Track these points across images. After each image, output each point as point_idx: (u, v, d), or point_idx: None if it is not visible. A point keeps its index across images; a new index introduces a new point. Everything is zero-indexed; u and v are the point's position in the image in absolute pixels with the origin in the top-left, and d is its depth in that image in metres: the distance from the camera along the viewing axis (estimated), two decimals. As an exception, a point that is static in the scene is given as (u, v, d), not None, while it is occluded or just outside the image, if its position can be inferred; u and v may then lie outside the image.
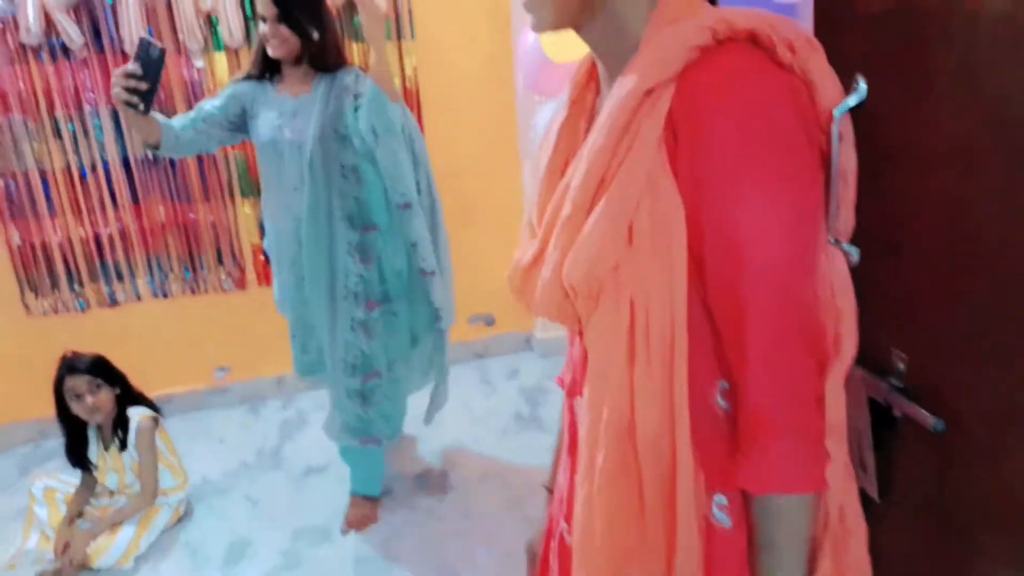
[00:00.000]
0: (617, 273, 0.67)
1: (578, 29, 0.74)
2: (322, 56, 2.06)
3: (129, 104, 1.78)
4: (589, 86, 0.81)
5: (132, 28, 2.71)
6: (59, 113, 2.78)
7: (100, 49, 2.76)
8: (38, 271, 2.92)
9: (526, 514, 2.36)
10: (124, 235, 2.96)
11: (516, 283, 0.81)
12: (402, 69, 3.02)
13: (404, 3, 2.95)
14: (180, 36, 2.78)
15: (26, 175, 2.81)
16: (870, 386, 1.04)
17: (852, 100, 0.65)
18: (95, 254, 2.96)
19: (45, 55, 2.73)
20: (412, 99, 3.07)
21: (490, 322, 3.43)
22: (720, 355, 0.69)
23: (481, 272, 3.27)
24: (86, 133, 2.82)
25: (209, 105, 2.14)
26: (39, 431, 3.06)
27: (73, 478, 2.49)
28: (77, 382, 2.35)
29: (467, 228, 3.23)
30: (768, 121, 0.62)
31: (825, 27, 1.07)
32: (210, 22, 2.81)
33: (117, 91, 1.75)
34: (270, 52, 2.03)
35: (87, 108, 2.80)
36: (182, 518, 2.52)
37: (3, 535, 2.49)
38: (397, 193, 2.12)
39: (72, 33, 2.68)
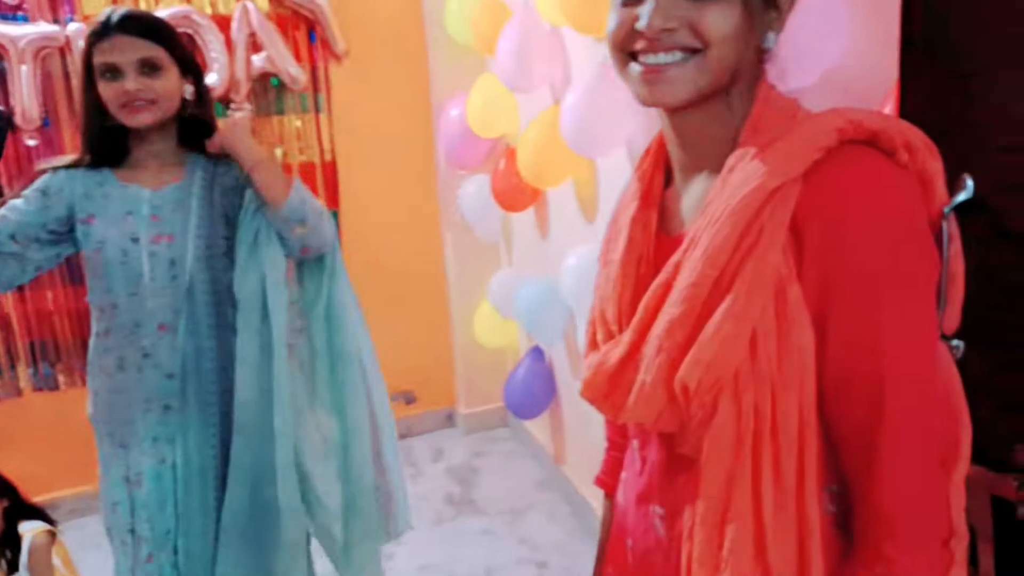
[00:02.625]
0: (737, 377, 0.64)
1: (694, 109, 0.70)
2: (198, 123, 1.45)
3: None
4: (656, 178, 0.79)
5: (24, 100, 2.49)
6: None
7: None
8: None
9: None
10: (5, 323, 2.65)
11: (600, 388, 0.74)
12: (320, 143, 2.95)
13: (322, 76, 2.89)
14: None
15: None
16: (994, 484, 1.04)
17: (961, 196, 0.65)
18: (-32, 344, 2.63)
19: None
20: (330, 173, 2.99)
21: (410, 400, 3.32)
22: (828, 460, 0.67)
23: (401, 349, 3.18)
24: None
25: (15, 214, 1.39)
26: None
27: (-58, 611, 2.14)
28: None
29: (387, 304, 3.14)
30: (908, 225, 0.62)
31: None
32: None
33: None
34: (130, 121, 1.38)
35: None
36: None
37: None
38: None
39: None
